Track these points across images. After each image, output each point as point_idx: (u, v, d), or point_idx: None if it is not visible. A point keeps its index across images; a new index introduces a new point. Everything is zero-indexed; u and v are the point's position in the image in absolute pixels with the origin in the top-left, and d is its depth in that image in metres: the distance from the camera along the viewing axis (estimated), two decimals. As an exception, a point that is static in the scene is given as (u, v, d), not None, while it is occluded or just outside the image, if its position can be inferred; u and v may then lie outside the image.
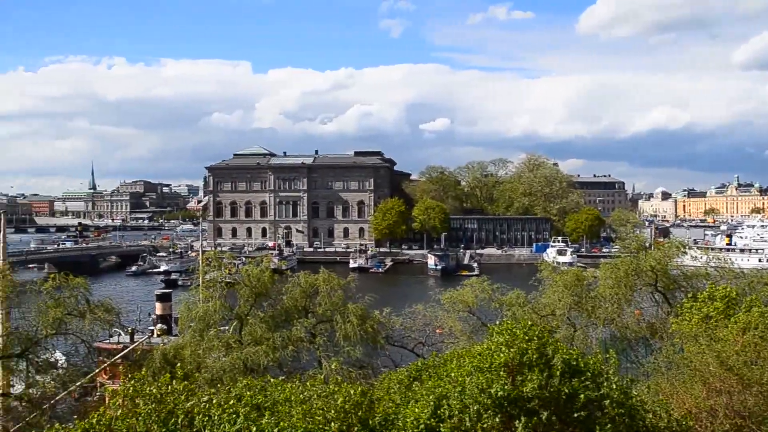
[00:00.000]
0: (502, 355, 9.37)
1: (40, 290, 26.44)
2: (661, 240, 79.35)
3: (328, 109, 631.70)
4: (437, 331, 31.29)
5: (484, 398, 8.95)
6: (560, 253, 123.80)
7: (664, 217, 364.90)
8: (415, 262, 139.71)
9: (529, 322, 10.47)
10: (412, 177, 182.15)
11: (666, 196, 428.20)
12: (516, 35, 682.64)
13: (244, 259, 72.83)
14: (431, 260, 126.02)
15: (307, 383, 9.66)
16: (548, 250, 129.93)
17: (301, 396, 9.07)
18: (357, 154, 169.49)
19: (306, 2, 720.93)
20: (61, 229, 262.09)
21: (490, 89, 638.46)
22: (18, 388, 25.79)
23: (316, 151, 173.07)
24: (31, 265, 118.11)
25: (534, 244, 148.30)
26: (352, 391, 8.92)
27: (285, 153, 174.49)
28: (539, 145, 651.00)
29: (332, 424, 8.35)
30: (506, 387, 9.00)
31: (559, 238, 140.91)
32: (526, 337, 9.64)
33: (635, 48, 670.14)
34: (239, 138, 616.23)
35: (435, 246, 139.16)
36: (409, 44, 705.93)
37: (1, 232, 34.29)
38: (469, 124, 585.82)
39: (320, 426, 8.36)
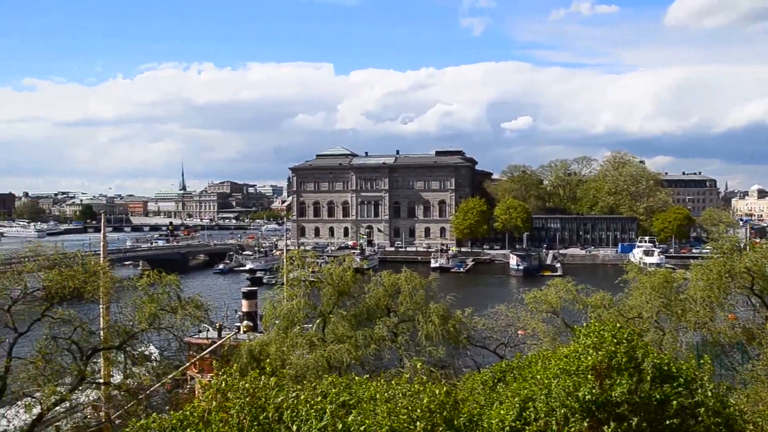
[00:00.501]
0: (589, 357, 9.14)
1: (136, 286, 27.66)
2: (758, 240, 75.37)
3: (409, 109, 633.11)
4: (520, 332, 30.84)
5: (571, 402, 8.77)
6: (647, 253, 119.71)
7: (761, 216, 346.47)
8: (497, 262, 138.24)
9: (618, 325, 10.17)
10: (493, 176, 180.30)
11: (762, 194, 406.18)
12: (600, 30, 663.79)
13: (326, 258, 73.93)
14: (513, 260, 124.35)
15: (392, 382, 9.71)
16: (634, 251, 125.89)
17: (386, 394, 9.12)
18: (438, 153, 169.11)
19: (388, 3, 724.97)
20: (154, 228, 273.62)
21: (573, 86, 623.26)
22: (116, 378, 27.11)
23: (398, 151, 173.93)
24: (127, 262, 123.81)
25: (619, 245, 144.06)
26: (437, 391, 8.91)
27: (367, 153, 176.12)
28: (624, 142, 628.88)
29: (418, 423, 8.36)
30: (594, 391, 8.77)
31: (646, 238, 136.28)
32: (615, 340, 9.36)
33: (729, 39, 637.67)
34: (322, 139, 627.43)
35: (517, 246, 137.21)
36: (490, 42, 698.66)
37: (102, 231, 36.18)
38: (552, 122, 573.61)
39: (405, 425, 8.39)
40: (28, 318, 24.42)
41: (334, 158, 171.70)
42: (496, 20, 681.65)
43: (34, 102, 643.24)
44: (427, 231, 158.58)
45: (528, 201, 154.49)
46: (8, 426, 22.50)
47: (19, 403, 22.59)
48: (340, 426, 8.25)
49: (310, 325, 27.41)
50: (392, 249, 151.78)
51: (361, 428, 8.32)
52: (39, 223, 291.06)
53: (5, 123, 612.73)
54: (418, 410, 8.57)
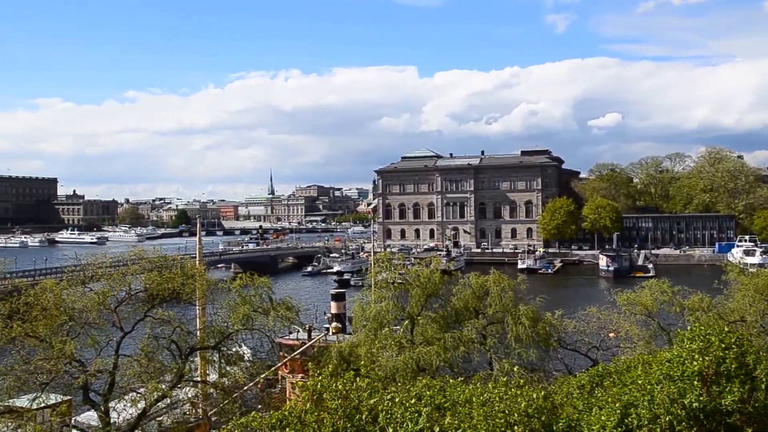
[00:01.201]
0: (695, 363, 8.69)
1: (230, 289, 28.53)
2: None
3: (493, 110, 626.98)
4: (611, 335, 29.85)
5: (676, 409, 8.35)
6: (748, 253, 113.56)
7: None
8: (586, 263, 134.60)
9: (725, 329, 9.63)
10: (581, 175, 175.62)
11: None
12: (692, 21, 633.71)
13: (412, 260, 73.91)
14: (603, 261, 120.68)
15: (489, 385, 9.54)
16: (733, 250, 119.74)
17: (481, 398, 8.97)
18: (524, 153, 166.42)
19: (470, 3, 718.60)
20: (244, 231, 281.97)
21: (664, 80, 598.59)
22: (212, 376, 28.01)
23: (482, 152, 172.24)
24: (220, 265, 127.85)
25: (716, 244, 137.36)
26: (534, 395, 8.69)
27: (451, 154, 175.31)
28: (720, 137, 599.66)
29: (515, 427, 8.17)
30: (702, 398, 8.33)
31: (746, 237, 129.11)
32: (723, 345, 8.86)
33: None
34: (406, 141, 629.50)
35: (606, 246, 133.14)
36: (575, 38, 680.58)
37: (198, 236, 37.53)
38: (642, 118, 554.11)
39: (502, 429, 8.21)
40: (132, 318, 25.62)
41: (419, 160, 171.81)
42: (581, 16, 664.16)
43: (134, 113, 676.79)
44: (514, 232, 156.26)
45: (617, 200, 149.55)
46: (117, 418, 23.63)
47: (125, 397, 23.70)
48: (437, 429, 8.17)
49: (399, 327, 27.43)
50: (478, 250, 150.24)
51: (458, 432, 8.21)
52: (139, 227, 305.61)
53: (110, 135, 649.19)
54: (516, 414, 8.37)
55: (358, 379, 9.36)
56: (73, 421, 25.72)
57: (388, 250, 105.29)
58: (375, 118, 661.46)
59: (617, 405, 8.89)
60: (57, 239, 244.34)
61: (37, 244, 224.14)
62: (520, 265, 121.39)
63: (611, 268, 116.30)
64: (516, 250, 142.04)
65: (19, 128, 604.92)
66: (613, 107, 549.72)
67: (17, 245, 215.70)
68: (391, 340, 25.58)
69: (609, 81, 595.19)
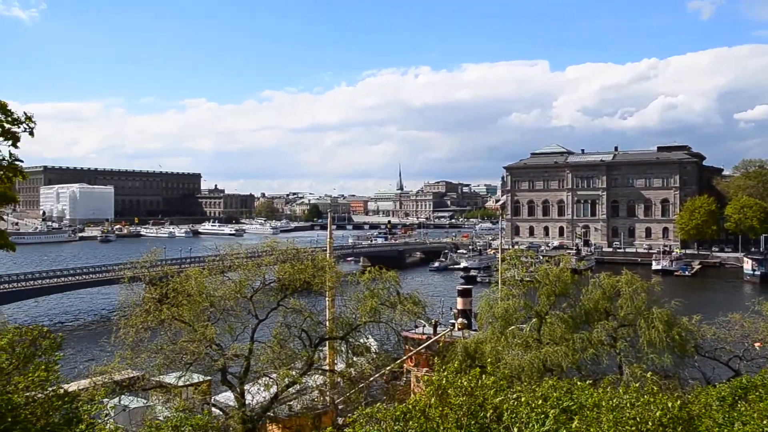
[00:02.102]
0: None
1: (359, 281, 29.07)
2: None
3: (628, 104, 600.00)
4: (757, 345, 27.67)
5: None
6: None
7: None
8: (728, 266, 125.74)
9: None
10: (724, 172, 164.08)
11: None
12: None
13: (541, 258, 72.19)
14: (748, 264, 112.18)
15: (619, 390, 9.08)
16: None
17: (611, 403, 8.56)
18: (660, 149, 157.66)
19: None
20: (373, 226, 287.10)
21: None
22: (339, 366, 28.69)
23: (616, 148, 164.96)
24: (349, 258, 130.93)
25: None
26: (669, 404, 8.16)
27: (583, 151, 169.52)
28: None
29: (649, 437, 7.73)
30: None
31: None
32: None
33: None
34: (536, 137, 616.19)
35: (752, 249, 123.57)
36: (722, 26, 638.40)
37: (329, 230, 38.59)
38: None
39: (634, 437, 7.79)
40: (266, 306, 26.75)
41: (549, 156, 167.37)
42: (729, 1, 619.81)
43: (271, 112, 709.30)
44: (648, 231, 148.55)
45: (766, 199, 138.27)
46: (251, 400, 24.78)
47: (259, 381, 24.81)
48: (563, 432, 7.88)
49: (525, 326, 26.86)
50: (610, 249, 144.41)
51: (585, 436, 7.86)
52: (274, 221, 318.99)
53: (249, 132, 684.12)
54: (649, 423, 7.89)
55: (483, 376, 9.23)
56: (212, 399, 27.27)
57: (516, 247, 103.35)
58: (504, 114, 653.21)
59: (765, 422, 8.18)
60: (200, 230, 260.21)
61: (183, 234, 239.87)
62: (654, 266, 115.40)
63: (758, 273, 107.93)
64: (650, 251, 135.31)
65: (170, 128, 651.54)
66: (764, 99, 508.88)
67: (166, 235, 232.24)
68: (518, 338, 25.10)
69: (759, 70, 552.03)
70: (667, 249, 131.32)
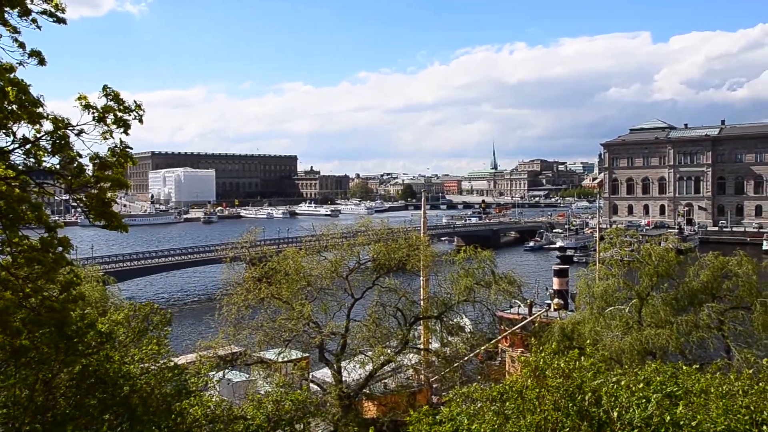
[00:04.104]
0: None
1: (453, 261, 28.99)
2: None
3: (738, 74, 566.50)
4: None
5: None
6: None
7: None
8: None
9: None
10: None
11: None
12: None
13: (641, 237, 69.58)
14: None
15: (730, 376, 8.63)
16: None
17: (720, 389, 8.15)
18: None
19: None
20: (467, 205, 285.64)
21: None
22: (434, 345, 28.80)
23: (723, 121, 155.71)
24: (443, 238, 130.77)
25: None
26: (787, 393, 7.69)
27: (686, 125, 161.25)
28: None
29: (764, 427, 7.29)
30: None
31: None
32: None
33: None
34: (636, 112, 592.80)
35: None
36: None
37: (423, 209, 38.60)
38: None
39: (746, 427, 7.37)
40: (361, 286, 27.15)
41: (650, 132, 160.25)
42: None
43: (366, 93, 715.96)
44: (758, 209, 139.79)
45: None
46: (347, 377, 25.31)
47: (355, 359, 25.29)
48: (668, 418, 7.56)
49: (624, 306, 26.03)
50: (715, 229, 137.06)
51: (693, 423, 7.52)
52: (368, 201, 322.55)
53: (345, 113, 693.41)
54: (765, 413, 7.45)
55: (581, 358, 9.01)
56: (310, 376, 28.05)
57: (615, 226, 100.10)
58: (602, 89, 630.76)
59: None
60: (297, 211, 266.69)
61: (281, 215, 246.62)
62: (765, 246, 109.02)
63: None
64: (761, 230, 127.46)
65: (269, 111, 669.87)
66: None
67: (265, 216, 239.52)
68: (618, 319, 24.33)
69: None
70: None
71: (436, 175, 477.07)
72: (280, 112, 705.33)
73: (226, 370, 26.01)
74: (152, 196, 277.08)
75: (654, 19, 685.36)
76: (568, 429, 8.08)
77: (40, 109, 8.60)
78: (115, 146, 9.32)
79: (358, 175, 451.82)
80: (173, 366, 13.31)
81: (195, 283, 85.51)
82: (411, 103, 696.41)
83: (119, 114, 9.19)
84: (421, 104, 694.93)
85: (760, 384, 8.09)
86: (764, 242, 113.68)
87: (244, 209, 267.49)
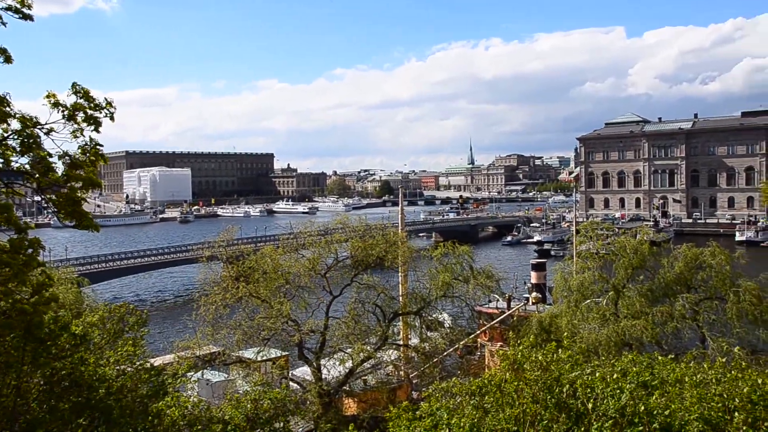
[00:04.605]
0: None
1: (431, 256, 29.05)
2: None
3: (710, 68, 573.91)
4: None
5: None
6: None
7: None
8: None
9: None
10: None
11: None
12: None
13: (617, 230, 70.27)
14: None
15: (704, 365, 8.74)
16: None
17: (695, 378, 8.24)
18: (745, 114, 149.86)
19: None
20: (445, 201, 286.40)
21: None
22: (414, 341, 28.86)
23: (695, 115, 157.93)
24: (421, 234, 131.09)
25: None
26: (760, 380, 7.78)
27: (660, 119, 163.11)
28: None
29: (736, 414, 7.39)
30: None
31: None
32: None
33: None
34: (610, 106, 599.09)
35: None
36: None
37: (400, 205, 38.65)
38: None
39: (720, 414, 7.47)
40: (340, 283, 27.10)
41: (625, 126, 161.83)
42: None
43: (343, 90, 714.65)
44: (731, 201, 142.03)
45: None
46: (327, 375, 25.26)
47: (335, 356, 25.25)
48: (641, 408, 7.63)
49: (601, 299, 26.29)
50: (689, 221, 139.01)
51: (666, 412, 7.61)
52: (346, 198, 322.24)
53: (322, 111, 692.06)
54: (737, 400, 7.55)
55: (559, 350, 9.07)
56: (289, 374, 27.96)
57: (591, 219, 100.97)
58: (578, 84, 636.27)
59: None
60: (274, 209, 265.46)
61: (258, 213, 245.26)
62: (738, 237, 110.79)
63: None
64: (734, 221, 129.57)
65: (245, 109, 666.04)
66: None
67: (242, 215, 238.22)
68: (594, 312, 24.57)
69: None
70: (753, 219, 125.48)
71: (414, 171, 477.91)
72: (257, 110, 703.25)
73: (205, 370, 25.85)
74: (127, 196, 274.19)
75: (628, 14, 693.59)
76: (546, 421, 8.13)
77: (7, 108, 8.44)
78: (86, 144, 9.19)
79: (335, 172, 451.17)
80: (150, 367, 13.19)
81: (172, 284, 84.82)
82: (388, 99, 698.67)
83: (89, 112, 9.06)
84: (398, 100, 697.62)
85: (733, 372, 8.19)
86: (737, 233, 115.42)
87: (221, 208, 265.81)
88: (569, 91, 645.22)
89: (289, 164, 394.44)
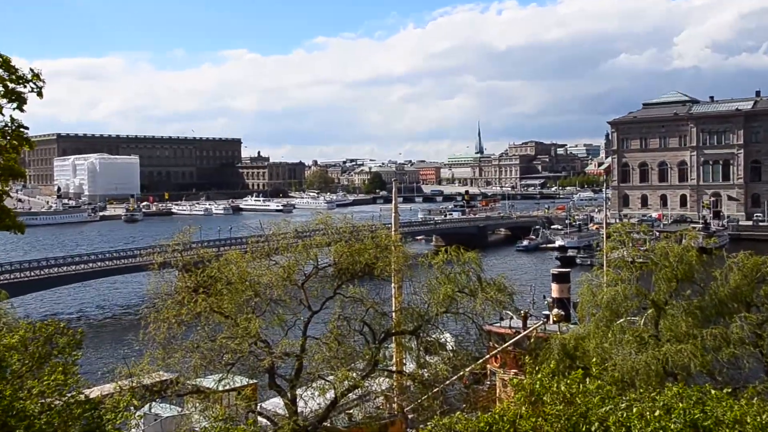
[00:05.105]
0: None
1: (431, 264, 29.00)
2: None
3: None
4: None
5: None
6: None
7: None
8: None
9: None
10: None
11: None
12: None
13: (657, 234, 70.63)
14: None
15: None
16: None
17: (759, 419, 8.17)
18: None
19: None
20: (447, 198, 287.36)
21: None
22: (409, 366, 28.81)
23: (758, 92, 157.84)
24: (419, 237, 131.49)
25: None
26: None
27: (712, 98, 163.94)
28: None
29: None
30: None
31: None
32: None
33: None
34: (650, 83, 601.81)
35: None
36: None
37: (394, 203, 38.60)
38: None
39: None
40: (320, 295, 27.02)
41: (667, 107, 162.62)
42: None
43: (325, 63, 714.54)
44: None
45: None
46: (304, 407, 25.19)
47: (313, 385, 25.15)
48: (691, 453, 7.58)
49: (638, 318, 26.32)
50: (748, 223, 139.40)
51: (719, 458, 7.55)
52: (328, 193, 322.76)
53: (298, 88, 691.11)
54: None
55: (586, 380, 9.03)
56: (258, 407, 27.86)
57: (625, 220, 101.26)
58: (610, 56, 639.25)
59: None
60: (241, 206, 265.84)
61: (222, 211, 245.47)
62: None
63: None
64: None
65: (205, 85, 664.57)
66: None
67: (202, 213, 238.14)
68: (630, 333, 24.59)
69: None
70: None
71: (410, 161, 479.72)
72: (220, 86, 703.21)
73: (153, 403, 25.70)
74: (59, 189, 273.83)
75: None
76: (571, 467, 8.08)
77: None
78: (6, 126, 9.08)
79: (315, 163, 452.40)
80: (84, 400, 13.05)
81: (114, 297, 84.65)
82: (379, 74, 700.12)
83: (11, 85, 8.95)
84: (391, 76, 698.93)
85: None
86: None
87: (177, 204, 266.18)
88: (599, 65, 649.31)
89: (259, 152, 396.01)
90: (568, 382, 8.97)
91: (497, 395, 32.01)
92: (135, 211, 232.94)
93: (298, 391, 25.31)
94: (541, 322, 37.45)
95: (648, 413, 8.50)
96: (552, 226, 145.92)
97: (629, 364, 22.75)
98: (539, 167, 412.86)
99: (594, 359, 22.30)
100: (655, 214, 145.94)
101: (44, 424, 11.60)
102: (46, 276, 79.53)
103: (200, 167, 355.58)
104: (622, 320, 25.79)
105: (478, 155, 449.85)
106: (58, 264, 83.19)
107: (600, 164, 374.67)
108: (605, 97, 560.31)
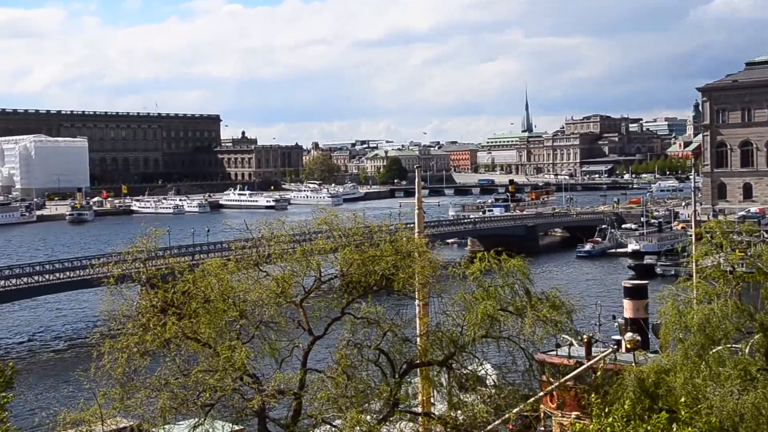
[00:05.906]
0: None
1: (465, 275, 29.02)
2: None
3: None
4: None
5: None
6: None
7: None
8: None
9: None
10: None
11: None
12: None
13: (765, 234, 70.30)
14: None
15: None
16: None
17: None
18: None
19: None
20: (486, 189, 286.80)
21: None
22: (439, 407, 28.85)
23: None
24: (450, 240, 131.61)
25: None
26: None
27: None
28: None
29: None
30: None
31: None
32: None
33: None
34: (756, 36, 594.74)
35: None
36: None
37: (417, 197, 38.56)
38: None
39: None
40: (324, 316, 27.08)
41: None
42: None
43: (325, 16, 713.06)
44: None
45: None
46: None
47: (316, 431, 25.27)
48: None
49: (741, 345, 26.28)
50: None
51: None
52: (333, 185, 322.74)
53: (294, 48, 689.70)
54: None
55: (673, 426, 9.04)
56: (245, 461, 27.97)
57: (722, 217, 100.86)
58: (700, 2, 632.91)
59: None
60: (222, 202, 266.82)
61: (196, 209, 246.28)
62: None
63: None
64: None
65: (171, 46, 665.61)
66: None
67: (170, 210, 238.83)
68: (731, 365, 24.53)
69: None
70: None
71: (438, 143, 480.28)
72: (190, 47, 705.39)
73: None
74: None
75: None
76: None
77: None
78: None
79: (316, 146, 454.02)
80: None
81: (57, 320, 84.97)
82: (395, 31, 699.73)
83: None
84: (411, 33, 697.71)
85: None
86: None
87: (138, 200, 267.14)
88: (687, 14, 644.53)
89: (244, 132, 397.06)
90: (649, 428, 8.99)
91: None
92: (83, 209, 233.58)
93: (300, 441, 25.43)
94: (611, 349, 37.38)
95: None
96: (623, 226, 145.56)
97: (731, 406, 22.68)
98: (606, 149, 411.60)
99: (683, 399, 22.22)
100: (756, 209, 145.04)
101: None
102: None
103: (167, 152, 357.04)
104: (719, 348, 25.73)
105: (526, 134, 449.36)
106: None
107: (687, 144, 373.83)
108: (695, 56, 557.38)
